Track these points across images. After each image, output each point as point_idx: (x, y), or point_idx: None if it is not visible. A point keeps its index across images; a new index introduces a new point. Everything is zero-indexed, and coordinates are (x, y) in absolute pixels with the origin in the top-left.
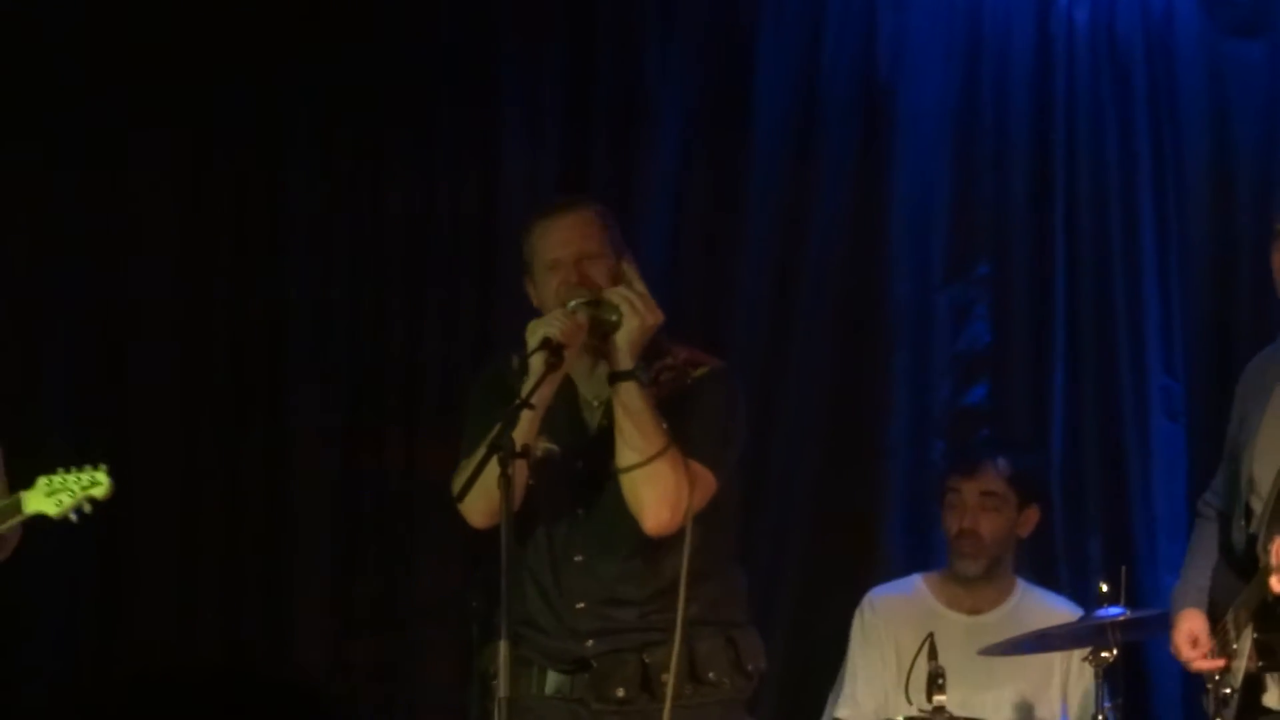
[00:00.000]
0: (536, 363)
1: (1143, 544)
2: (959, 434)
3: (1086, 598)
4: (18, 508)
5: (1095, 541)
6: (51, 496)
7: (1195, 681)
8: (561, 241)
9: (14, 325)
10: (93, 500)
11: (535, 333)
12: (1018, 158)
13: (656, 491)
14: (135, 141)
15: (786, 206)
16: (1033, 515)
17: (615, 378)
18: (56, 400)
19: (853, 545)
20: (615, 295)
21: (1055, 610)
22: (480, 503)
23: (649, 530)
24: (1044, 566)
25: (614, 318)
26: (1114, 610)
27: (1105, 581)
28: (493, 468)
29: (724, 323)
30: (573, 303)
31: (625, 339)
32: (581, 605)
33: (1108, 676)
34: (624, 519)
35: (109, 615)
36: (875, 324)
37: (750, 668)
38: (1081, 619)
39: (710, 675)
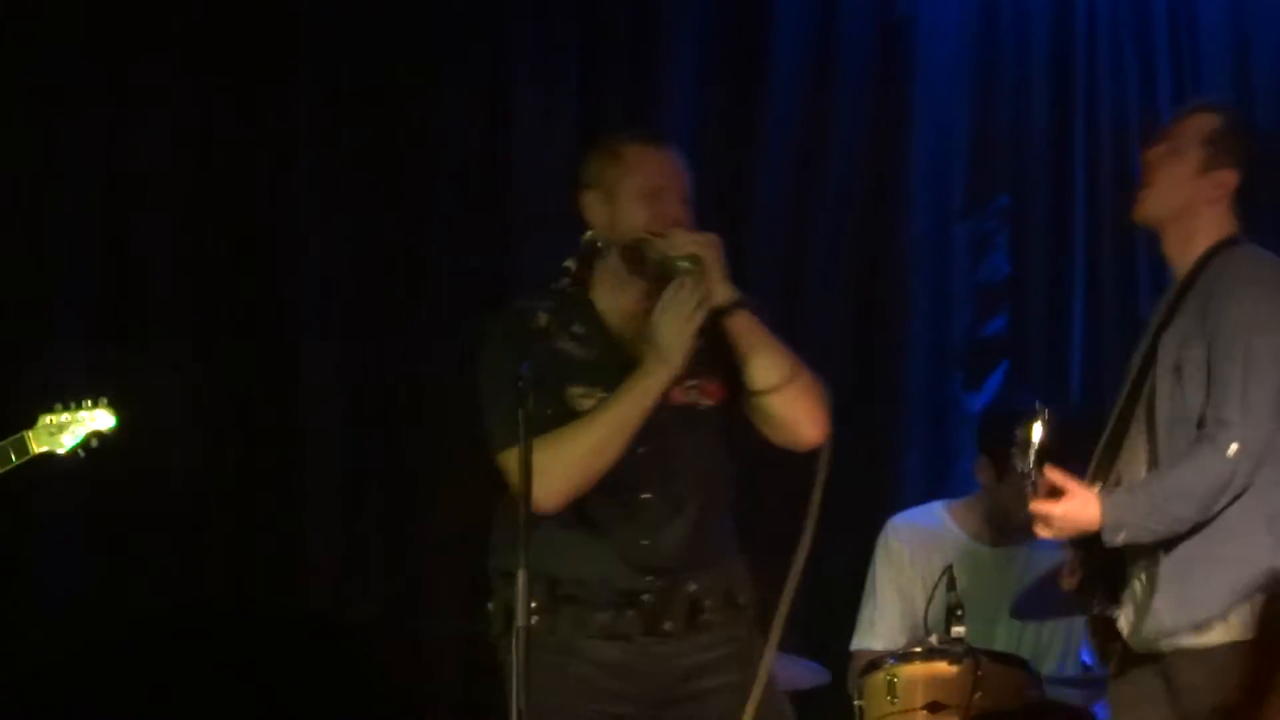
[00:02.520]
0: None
1: None
2: (979, 365)
3: None
4: (24, 448)
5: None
6: (56, 434)
7: None
8: (663, 172)
9: (24, 269)
10: (100, 436)
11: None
12: (1037, 89)
13: (807, 401)
14: (139, 85)
15: (804, 139)
16: None
17: (724, 313)
18: (66, 345)
19: (872, 477)
20: (701, 251)
21: None
22: (571, 485)
23: (808, 441)
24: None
25: (685, 264)
26: None
27: None
28: (584, 460)
29: (741, 256)
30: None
31: (716, 273)
32: (646, 543)
33: None
34: (683, 454)
35: (118, 555)
36: (894, 255)
37: (748, 598)
38: None
39: (740, 599)
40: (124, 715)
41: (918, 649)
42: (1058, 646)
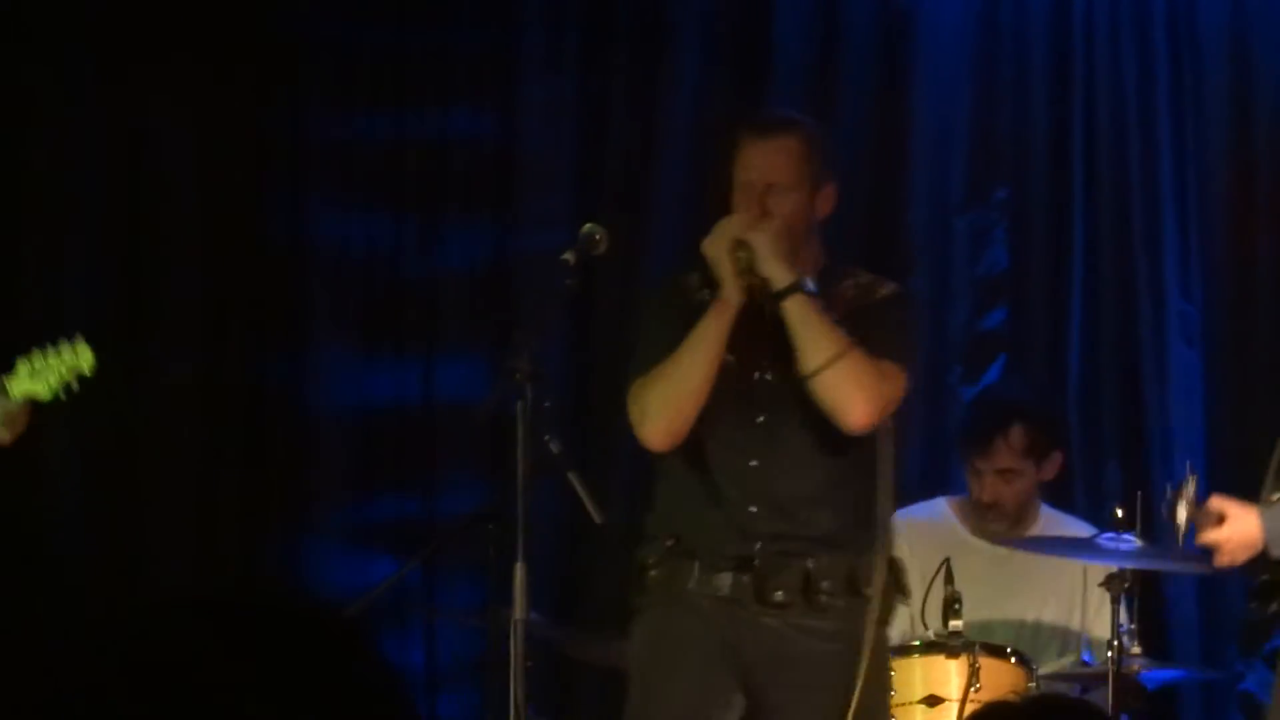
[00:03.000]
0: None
1: (1158, 469)
2: (977, 358)
3: (1103, 521)
4: (3, 392)
5: (1112, 466)
6: (36, 378)
7: (1210, 605)
8: (754, 165)
9: (31, 236)
10: (80, 376)
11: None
12: (1037, 82)
13: (849, 386)
14: (150, 64)
15: None
16: (1056, 460)
17: (780, 297)
18: (75, 315)
19: None
20: (748, 236)
21: (1079, 534)
22: (665, 419)
23: (852, 426)
24: (1061, 490)
25: (746, 254)
26: (1126, 538)
27: (1121, 506)
28: (673, 388)
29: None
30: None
31: (766, 257)
32: (754, 509)
33: (1124, 602)
34: (800, 427)
35: (124, 533)
36: (894, 247)
37: (905, 594)
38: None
39: (868, 590)
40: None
41: (915, 642)
42: (1056, 642)
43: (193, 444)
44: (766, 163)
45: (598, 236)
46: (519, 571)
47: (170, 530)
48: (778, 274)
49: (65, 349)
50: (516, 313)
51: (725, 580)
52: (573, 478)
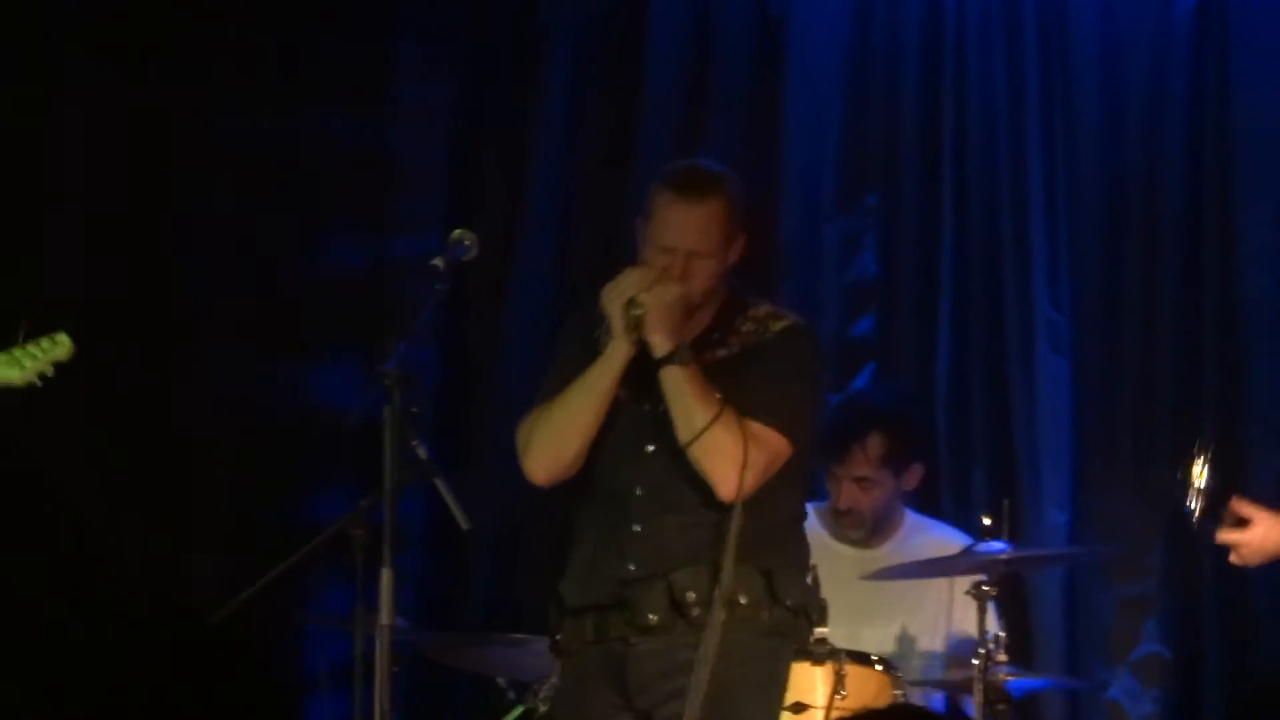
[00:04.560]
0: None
1: (1026, 477)
2: (846, 365)
3: (970, 528)
4: None
5: (979, 474)
6: (11, 365)
7: (1076, 613)
8: (679, 231)
9: None
10: (55, 362)
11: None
12: (907, 90)
13: (718, 460)
14: (37, 64)
15: (679, 138)
16: (917, 471)
17: (658, 364)
18: None
19: None
20: (642, 298)
21: (943, 542)
22: (546, 458)
23: (724, 498)
24: (928, 497)
25: (639, 313)
26: (997, 544)
27: (988, 515)
28: (558, 427)
29: (619, 255)
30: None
31: (651, 325)
32: (638, 529)
33: (992, 609)
34: (683, 455)
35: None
36: (764, 254)
37: (790, 601)
38: (964, 551)
39: (741, 599)
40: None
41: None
42: (922, 647)
43: (76, 445)
44: (690, 228)
45: (468, 242)
46: (386, 577)
47: (46, 531)
48: (658, 342)
49: (45, 339)
50: (388, 317)
51: (603, 622)
52: (440, 484)
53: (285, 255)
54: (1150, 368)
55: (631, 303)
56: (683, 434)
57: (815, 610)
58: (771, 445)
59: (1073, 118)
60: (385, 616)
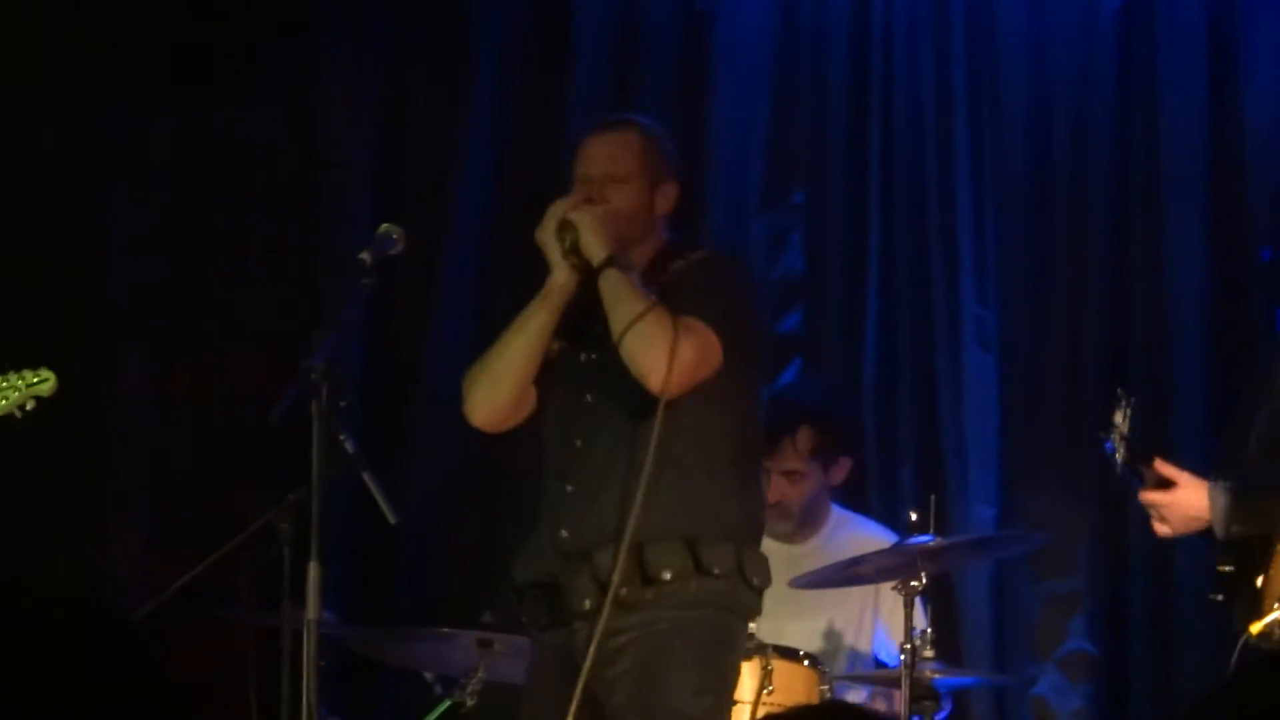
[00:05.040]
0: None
1: (954, 473)
2: (772, 362)
3: (897, 524)
4: None
5: (906, 469)
6: None
7: (1004, 609)
8: (592, 159)
9: None
10: (38, 398)
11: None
12: (834, 87)
13: (650, 349)
14: None
15: None
16: (845, 465)
17: (597, 272)
18: None
19: None
20: (571, 215)
21: (869, 537)
22: (482, 397)
23: (654, 388)
24: (855, 493)
25: (572, 236)
26: (924, 539)
27: (915, 510)
28: (494, 363)
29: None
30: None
31: (587, 235)
32: (570, 489)
33: (919, 604)
34: (624, 398)
35: None
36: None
37: (717, 570)
38: (891, 548)
39: (665, 575)
40: None
41: None
42: (848, 642)
43: None
44: (602, 154)
45: (395, 236)
46: (313, 571)
47: None
48: (595, 249)
49: (29, 372)
50: (315, 312)
51: (547, 605)
52: (367, 478)
53: (212, 250)
54: (1077, 363)
55: (564, 225)
56: (617, 327)
57: (756, 574)
58: (701, 337)
59: (1000, 115)
60: (312, 611)
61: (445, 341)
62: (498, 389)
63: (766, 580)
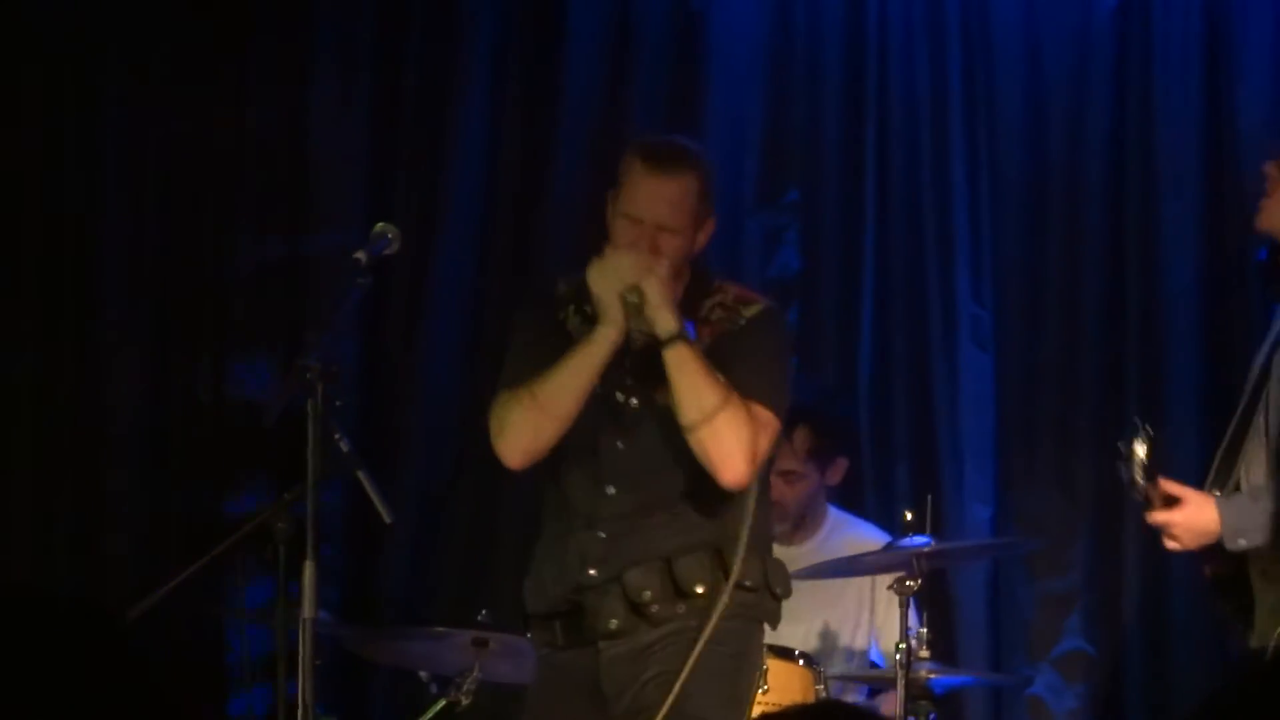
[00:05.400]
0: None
1: (949, 472)
2: None
3: (892, 524)
4: None
5: (902, 469)
6: None
7: (1000, 609)
8: (649, 204)
9: None
10: None
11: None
12: (829, 84)
13: (727, 444)
14: None
15: (599, 133)
16: (841, 465)
17: (663, 345)
18: None
19: None
20: (642, 282)
21: (865, 538)
22: (523, 441)
23: (728, 485)
24: (851, 493)
25: (636, 299)
26: (919, 540)
27: (911, 509)
28: (538, 412)
29: (536, 246)
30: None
31: (655, 304)
32: (603, 535)
33: (913, 604)
34: (660, 449)
35: None
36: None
37: (748, 582)
38: (886, 547)
39: (698, 589)
40: None
41: None
42: (843, 642)
43: None
44: (661, 202)
45: (390, 236)
46: (308, 570)
47: None
48: (664, 322)
49: None
50: (308, 311)
51: (568, 626)
52: (362, 477)
53: (203, 250)
54: (1073, 362)
55: (628, 288)
56: (691, 415)
57: (779, 584)
58: (770, 428)
59: (995, 113)
60: (308, 610)
61: (437, 341)
62: (540, 436)
63: (788, 590)
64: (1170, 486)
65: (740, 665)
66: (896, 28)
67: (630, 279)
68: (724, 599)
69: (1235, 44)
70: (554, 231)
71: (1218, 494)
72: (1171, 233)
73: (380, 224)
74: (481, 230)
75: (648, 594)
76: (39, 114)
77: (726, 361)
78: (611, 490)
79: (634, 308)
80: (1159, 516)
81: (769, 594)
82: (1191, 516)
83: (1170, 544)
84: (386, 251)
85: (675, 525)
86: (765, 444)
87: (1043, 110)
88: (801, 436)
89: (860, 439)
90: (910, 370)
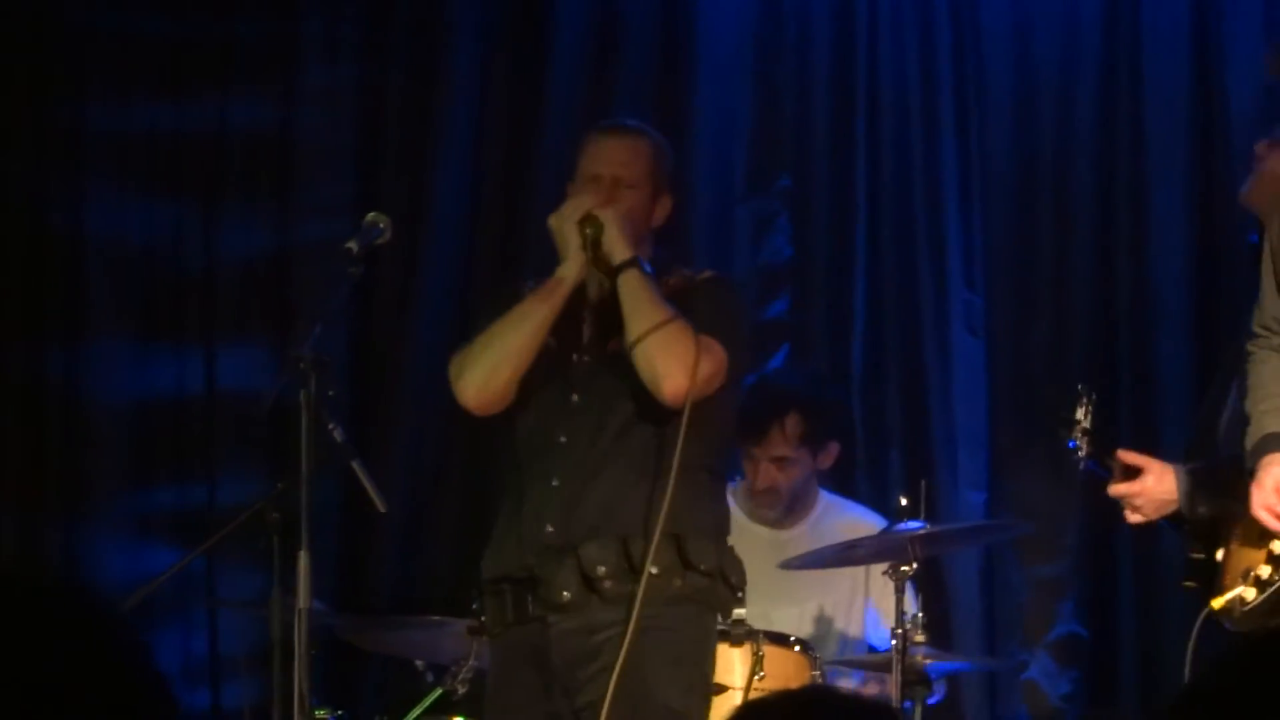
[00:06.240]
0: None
1: (942, 457)
2: (760, 348)
3: (886, 509)
4: None
5: (895, 454)
6: None
7: (994, 594)
8: (606, 160)
9: None
10: None
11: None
12: (819, 70)
13: (667, 354)
14: None
15: (587, 120)
16: (833, 450)
17: (617, 270)
18: None
19: None
20: (598, 211)
21: (858, 522)
22: (479, 378)
23: (666, 394)
24: (844, 479)
25: (594, 231)
26: (914, 524)
27: (905, 494)
28: (494, 348)
29: (524, 234)
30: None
31: (613, 233)
32: (556, 483)
33: (910, 589)
34: (614, 408)
35: None
36: (676, 237)
37: (703, 566)
38: (881, 532)
39: (652, 569)
40: None
41: None
42: (838, 627)
43: None
44: (615, 158)
45: (382, 225)
46: (303, 560)
47: None
48: (620, 248)
49: None
50: (297, 301)
51: (520, 598)
52: (356, 466)
53: (190, 240)
54: (1064, 347)
55: (587, 219)
56: (636, 330)
57: (734, 573)
58: (717, 356)
59: (985, 98)
60: (303, 600)
61: (426, 331)
62: (496, 375)
63: (743, 581)
64: (1130, 457)
65: (696, 653)
66: (886, 13)
67: (587, 208)
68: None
69: (1224, 29)
70: (541, 221)
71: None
72: (1162, 217)
73: (372, 214)
74: (469, 219)
75: (602, 569)
76: (23, 103)
77: (681, 309)
78: (563, 439)
79: (591, 237)
80: (1120, 488)
81: (723, 581)
82: (1153, 486)
83: (1132, 515)
84: (378, 241)
85: (632, 495)
86: (708, 368)
87: (1033, 96)
88: (793, 422)
89: (853, 425)
90: (902, 356)
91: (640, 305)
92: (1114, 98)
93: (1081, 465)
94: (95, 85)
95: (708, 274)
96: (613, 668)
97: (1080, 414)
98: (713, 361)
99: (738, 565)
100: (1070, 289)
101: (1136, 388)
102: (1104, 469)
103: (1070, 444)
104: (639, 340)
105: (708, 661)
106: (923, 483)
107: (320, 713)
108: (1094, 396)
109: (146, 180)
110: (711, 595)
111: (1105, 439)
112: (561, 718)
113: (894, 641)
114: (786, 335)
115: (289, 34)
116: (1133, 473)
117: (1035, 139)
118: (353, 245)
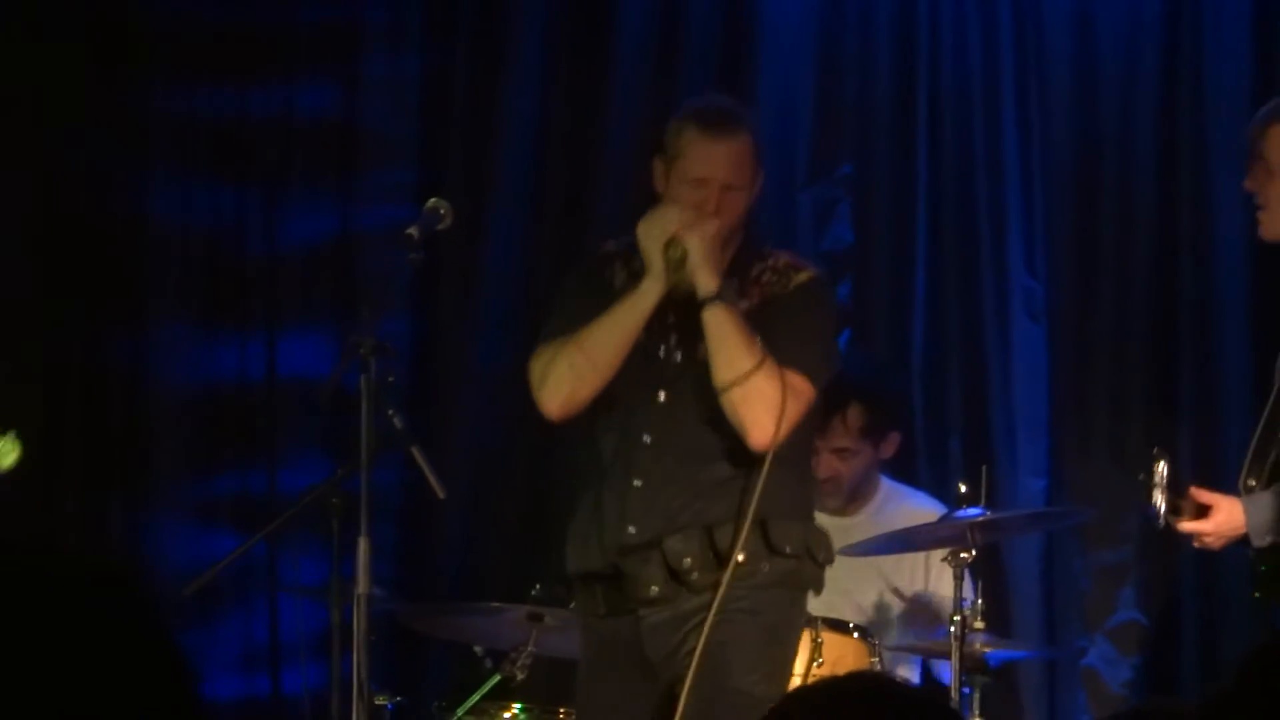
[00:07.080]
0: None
1: (1003, 444)
2: None
3: (946, 497)
4: None
5: (956, 441)
6: None
7: (1053, 581)
8: (714, 165)
9: None
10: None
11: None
12: (881, 58)
13: (757, 407)
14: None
15: (649, 106)
16: (894, 439)
17: (702, 304)
18: None
19: None
20: (684, 236)
21: (919, 509)
22: (563, 392)
23: (755, 446)
24: (905, 465)
25: (679, 254)
26: (973, 511)
27: (965, 481)
28: (594, 358)
29: (587, 223)
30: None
31: (696, 262)
32: (639, 484)
33: (968, 576)
34: (700, 403)
35: None
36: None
37: (789, 549)
38: (941, 519)
39: (739, 557)
40: None
41: None
42: (899, 616)
43: (34, 420)
44: (725, 162)
45: (443, 211)
46: (363, 546)
47: (11, 507)
48: (704, 281)
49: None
50: (359, 288)
51: (610, 593)
52: (416, 452)
53: (254, 226)
54: (1126, 333)
55: (671, 242)
56: (724, 376)
57: (821, 550)
58: (804, 396)
59: (1047, 84)
60: (362, 586)
61: (488, 316)
62: (582, 387)
63: (830, 556)
64: (1202, 495)
65: (778, 636)
66: (948, 2)
67: (672, 230)
68: (725, 580)
69: None
70: (604, 206)
71: (1252, 484)
72: (1223, 204)
73: (433, 199)
74: (531, 204)
75: (688, 561)
76: (89, 90)
77: (771, 326)
78: (648, 439)
79: (676, 263)
80: (1189, 526)
81: (811, 560)
82: (1221, 524)
83: (1201, 546)
84: (439, 227)
85: (716, 489)
86: (795, 410)
87: (1094, 82)
88: (855, 414)
89: (913, 412)
90: (963, 343)
91: (725, 349)
92: (1176, 85)
93: (1160, 524)
94: (161, 72)
95: (803, 277)
96: (703, 652)
97: (1159, 475)
98: (800, 403)
99: (824, 541)
100: (1131, 274)
101: (1197, 373)
102: (1175, 512)
103: (1150, 511)
104: (725, 388)
105: (791, 644)
106: (983, 469)
107: (380, 698)
108: (1169, 457)
109: (211, 166)
110: (799, 576)
111: (1180, 488)
112: (658, 710)
113: (953, 629)
114: (848, 321)
115: (353, 20)
116: (1204, 510)
117: (1097, 125)
118: (414, 231)
